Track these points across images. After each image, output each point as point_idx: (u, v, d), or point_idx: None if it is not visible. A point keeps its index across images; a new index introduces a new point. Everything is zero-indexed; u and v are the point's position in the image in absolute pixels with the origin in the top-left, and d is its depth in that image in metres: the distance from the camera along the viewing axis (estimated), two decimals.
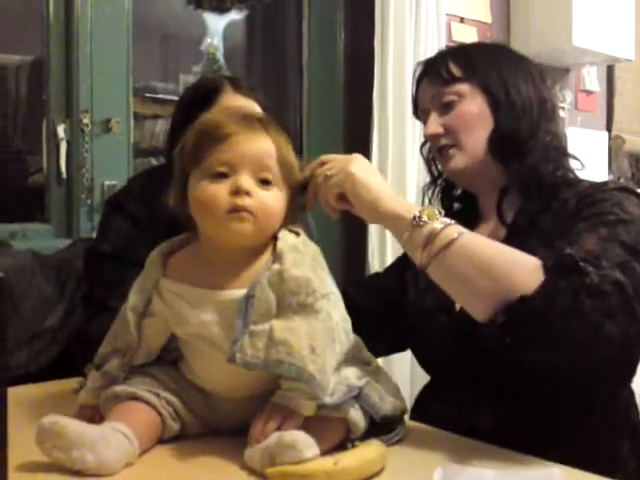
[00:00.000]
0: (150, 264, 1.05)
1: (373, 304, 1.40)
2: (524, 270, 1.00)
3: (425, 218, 1.04)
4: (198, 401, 1.05)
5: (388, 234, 2.59)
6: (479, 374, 1.20)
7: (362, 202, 1.09)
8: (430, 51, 2.88)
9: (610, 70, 3.90)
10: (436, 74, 1.32)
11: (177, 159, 1.04)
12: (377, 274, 1.60)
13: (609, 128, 3.90)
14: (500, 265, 1.01)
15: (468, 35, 3.21)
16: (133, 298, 1.05)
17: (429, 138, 1.34)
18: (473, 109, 1.28)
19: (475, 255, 1.02)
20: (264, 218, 0.99)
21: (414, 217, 1.04)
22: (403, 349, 1.46)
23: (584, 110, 3.76)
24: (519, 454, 1.01)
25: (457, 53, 1.36)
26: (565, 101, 3.70)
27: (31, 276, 1.70)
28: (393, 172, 2.62)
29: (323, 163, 1.13)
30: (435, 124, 1.30)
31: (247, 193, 0.97)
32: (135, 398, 1.00)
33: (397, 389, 1.09)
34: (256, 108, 1.48)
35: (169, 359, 1.09)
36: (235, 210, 0.96)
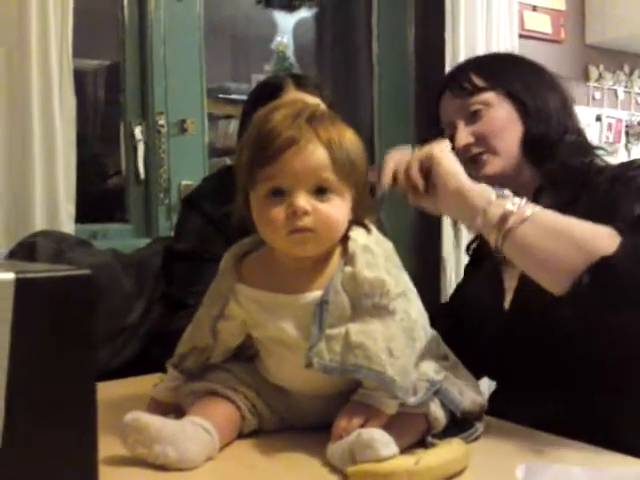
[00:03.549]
0: (224, 269, 1.04)
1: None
2: (601, 234, 1.02)
3: (503, 194, 1.07)
4: (275, 397, 1.05)
5: (463, 231, 2.56)
6: (531, 371, 1.23)
7: (446, 185, 1.10)
8: (502, 42, 2.84)
9: None
10: (458, 87, 1.34)
11: (236, 172, 1.02)
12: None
13: None
14: (577, 231, 1.03)
15: (541, 24, 3.15)
16: (209, 304, 1.05)
17: (460, 149, 1.32)
18: (502, 115, 1.30)
19: (551, 226, 1.04)
20: (326, 232, 0.97)
21: (490, 195, 1.07)
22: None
23: None
24: (601, 449, 0.98)
25: (476, 65, 1.38)
26: None
27: (112, 274, 1.74)
28: None
29: None
30: (465, 134, 1.31)
31: (305, 212, 0.94)
32: (214, 393, 1.02)
33: (476, 384, 1.07)
34: (320, 105, 1.48)
35: (246, 356, 1.09)
36: (296, 231, 0.95)
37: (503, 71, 1.35)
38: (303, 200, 0.94)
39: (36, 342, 0.71)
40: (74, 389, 0.74)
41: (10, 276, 0.69)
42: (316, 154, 0.95)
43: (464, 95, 1.32)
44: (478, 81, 1.32)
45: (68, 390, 0.73)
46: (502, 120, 1.30)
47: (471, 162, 1.32)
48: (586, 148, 1.31)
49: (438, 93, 1.39)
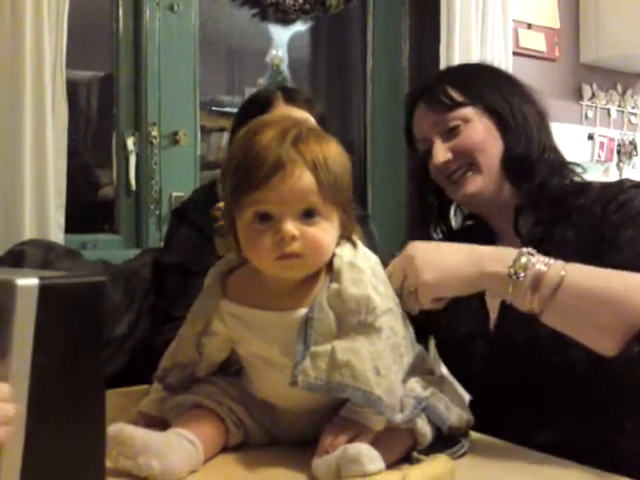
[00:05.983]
0: (209, 286, 1.04)
1: None
2: (636, 289, 0.97)
3: (523, 260, 0.99)
4: (262, 411, 1.04)
5: None
6: (520, 395, 1.19)
7: (456, 290, 1.04)
8: (497, 59, 2.85)
9: None
10: (435, 101, 1.28)
11: (221, 195, 1.01)
12: None
13: None
14: (615, 293, 0.97)
15: (536, 42, 3.16)
16: (192, 320, 1.05)
17: (438, 167, 1.28)
18: (482, 130, 1.26)
19: (588, 290, 0.97)
20: (315, 256, 0.96)
21: (511, 270, 0.99)
22: None
23: None
24: (584, 466, 0.98)
25: (453, 77, 1.33)
26: (637, 107, 3.60)
27: None
28: None
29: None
30: (443, 151, 1.27)
31: (293, 238, 0.93)
32: (199, 406, 1.01)
33: (462, 399, 1.07)
34: (309, 119, 1.47)
35: (231, 371, 1.09)
36: (284, 257, 0.94)
37: (481, 85, 1.30)
38: (291, 225, 0.93)
39: (55, 347, 0.73)
40: (88, 392, 0.77)
41: (34, 282, 0.71)
42: (303, 179, 0.93)
43: (441, 110, 1.27)
44: (456, 95, 1.27)
45: (83, 393, 0.76)
46: (482, 135, 1.26)
47: (449, 182, 1.29)
48: (563, 166, 1.28)
49: (410, 107, 1.34)
